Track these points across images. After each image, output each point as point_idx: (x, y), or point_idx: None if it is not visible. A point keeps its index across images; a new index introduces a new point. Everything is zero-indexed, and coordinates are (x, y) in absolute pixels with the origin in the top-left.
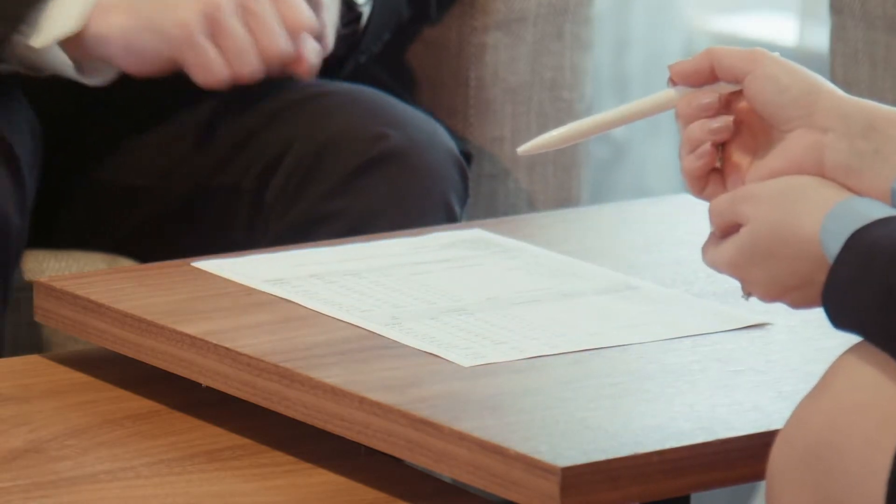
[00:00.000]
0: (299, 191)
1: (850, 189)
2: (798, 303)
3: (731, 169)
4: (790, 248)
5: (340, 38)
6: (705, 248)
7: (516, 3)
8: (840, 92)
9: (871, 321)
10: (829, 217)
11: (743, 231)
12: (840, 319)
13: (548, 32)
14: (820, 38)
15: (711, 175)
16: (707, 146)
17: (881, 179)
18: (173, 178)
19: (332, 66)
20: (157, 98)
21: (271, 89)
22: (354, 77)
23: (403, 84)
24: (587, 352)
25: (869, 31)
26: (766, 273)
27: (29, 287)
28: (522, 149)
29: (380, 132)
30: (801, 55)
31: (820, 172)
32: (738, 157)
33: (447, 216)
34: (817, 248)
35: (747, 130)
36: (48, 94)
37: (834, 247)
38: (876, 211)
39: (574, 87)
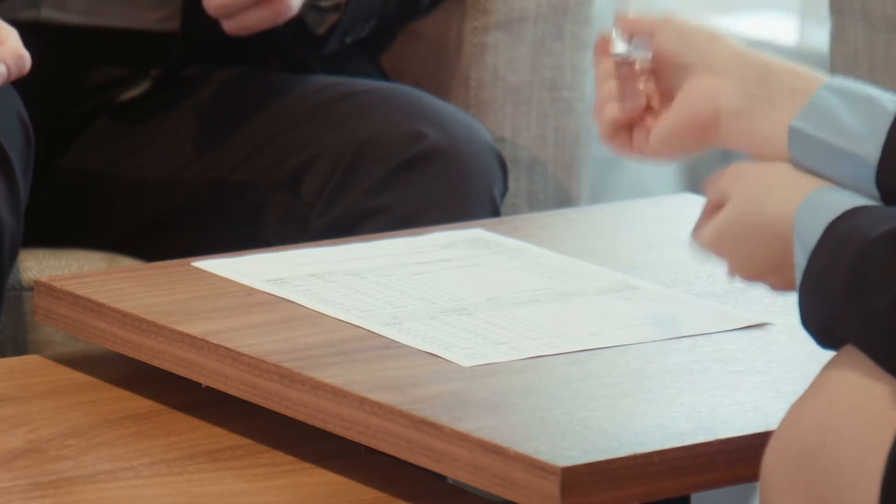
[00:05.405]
0: (340, 189)
1: (739, 131)
2: (777, 286)
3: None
4: (764, 230)
5: (322, 12)
6: (696, 226)
7: (516, 3)
8: (741, 44)
9: (842, 308)
10: (802, 207)
11: (723, 210)
12: (811, 314)
13: (548, 32)
14: (820, 38)
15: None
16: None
17: (770, 122)
18: (186, 173)
19: (315, 43)
20: (166, 92)
21: (297, 87)
22: (356, 75)
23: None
24: (587, 352)
25: (869, 31)
26: (742, 253)
27: (29, 286)
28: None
29: (418, 130)
30: (801, 55)
31: (715, 117)
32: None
33: (492, 210)
34: (790, 233)
35: (665, 96)
36: (44, 87)
37: (807, 237)
38: (845, 200)
39: (574, 86)
